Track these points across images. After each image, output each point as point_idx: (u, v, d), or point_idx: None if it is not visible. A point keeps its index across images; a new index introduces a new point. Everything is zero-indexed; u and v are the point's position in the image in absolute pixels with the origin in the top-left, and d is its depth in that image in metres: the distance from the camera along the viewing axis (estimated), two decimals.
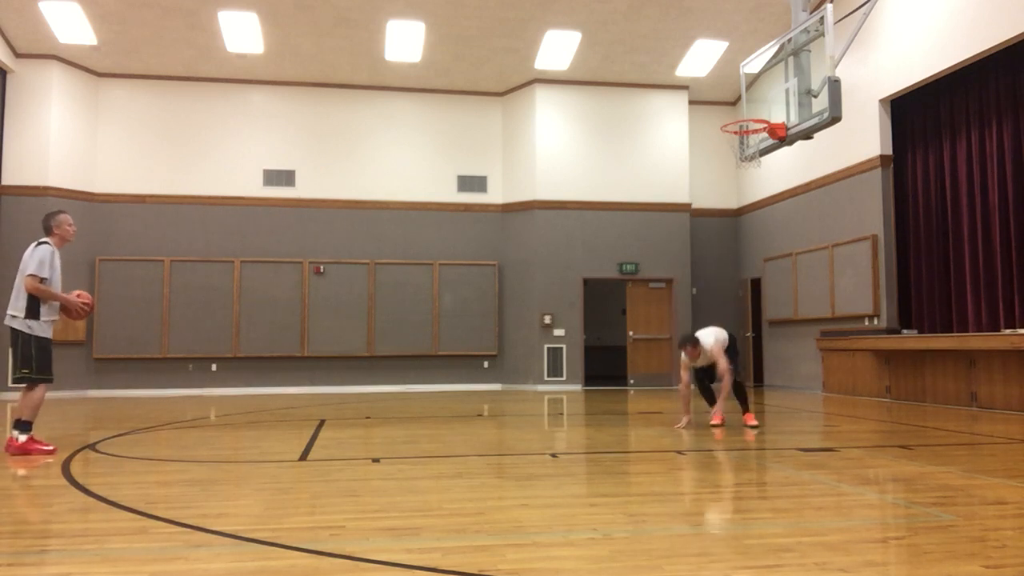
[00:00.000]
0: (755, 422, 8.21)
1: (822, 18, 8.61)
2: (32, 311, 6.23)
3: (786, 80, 9.40)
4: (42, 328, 6.29)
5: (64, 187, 14.10)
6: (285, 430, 8.15)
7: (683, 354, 8.16)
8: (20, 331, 6.22)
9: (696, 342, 8.06)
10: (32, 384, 6.29)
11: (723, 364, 7.99)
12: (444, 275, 15.49)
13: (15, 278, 6.32)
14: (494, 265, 15.68)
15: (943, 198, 11.87)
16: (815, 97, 8.99)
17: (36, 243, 6.36)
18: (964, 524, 3.68)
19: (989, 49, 10.21)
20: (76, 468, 5.52)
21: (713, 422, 8.19)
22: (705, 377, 8.52)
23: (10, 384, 6.73)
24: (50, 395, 13.43)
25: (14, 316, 6.23)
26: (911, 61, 11.62)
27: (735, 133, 10.30)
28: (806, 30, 9.09)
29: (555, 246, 15.40)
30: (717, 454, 6.30)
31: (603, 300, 17.80)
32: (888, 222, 12.43)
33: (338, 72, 15.14)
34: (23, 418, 6.25)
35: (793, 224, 14.79)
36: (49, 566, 3.05)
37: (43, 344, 6.29)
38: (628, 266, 15.58)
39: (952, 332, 11.34)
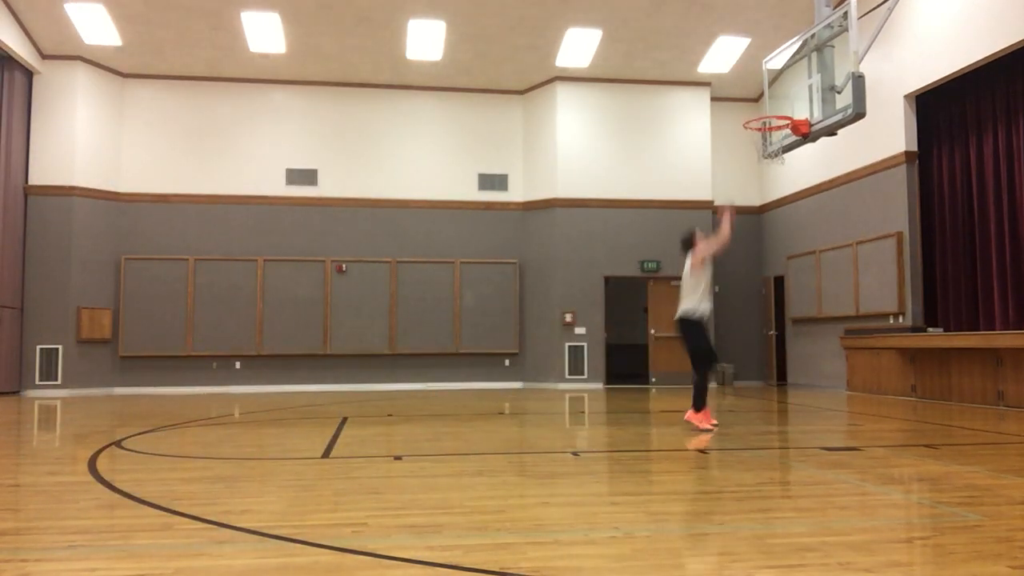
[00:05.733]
0: (704, 425, 7.60)
1: (846, 13, 8.53)
2: None
3: (809, 76, 9.32)
4: None
5: (90, 187, 14.26)
6: (308, 427, 8.20)
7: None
8: None
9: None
10: None
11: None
12: (465, 273, 15.51)
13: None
14: (515, 263, 15.68)
15: (969, 195, 11.71)
16: (839, 93, 8.91)
17: None
18: (990, 524, 3.63)
19: (1015, 44, 10.06)
20: (102, 464, 5.59)
21: (703, 425, 7.62)
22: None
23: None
24: (77, 392, 13.71)
25: None
26: (937, 56, 11.47)
27: (758, 130, 10.25)
28: (829, 25, 9.01)
29: (576, 244, 15.36)
30: (739, 453, 6.26)
31: (625, 298, 17.73)
32: (913, 219, 12.29)
33: (360, 71, 15.20)
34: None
35: (816, 221, 14.66)
36: (76, 561, 3.09)
37: None
38: (650, 264, 15.52)
39: (978, 330, 11.20)
